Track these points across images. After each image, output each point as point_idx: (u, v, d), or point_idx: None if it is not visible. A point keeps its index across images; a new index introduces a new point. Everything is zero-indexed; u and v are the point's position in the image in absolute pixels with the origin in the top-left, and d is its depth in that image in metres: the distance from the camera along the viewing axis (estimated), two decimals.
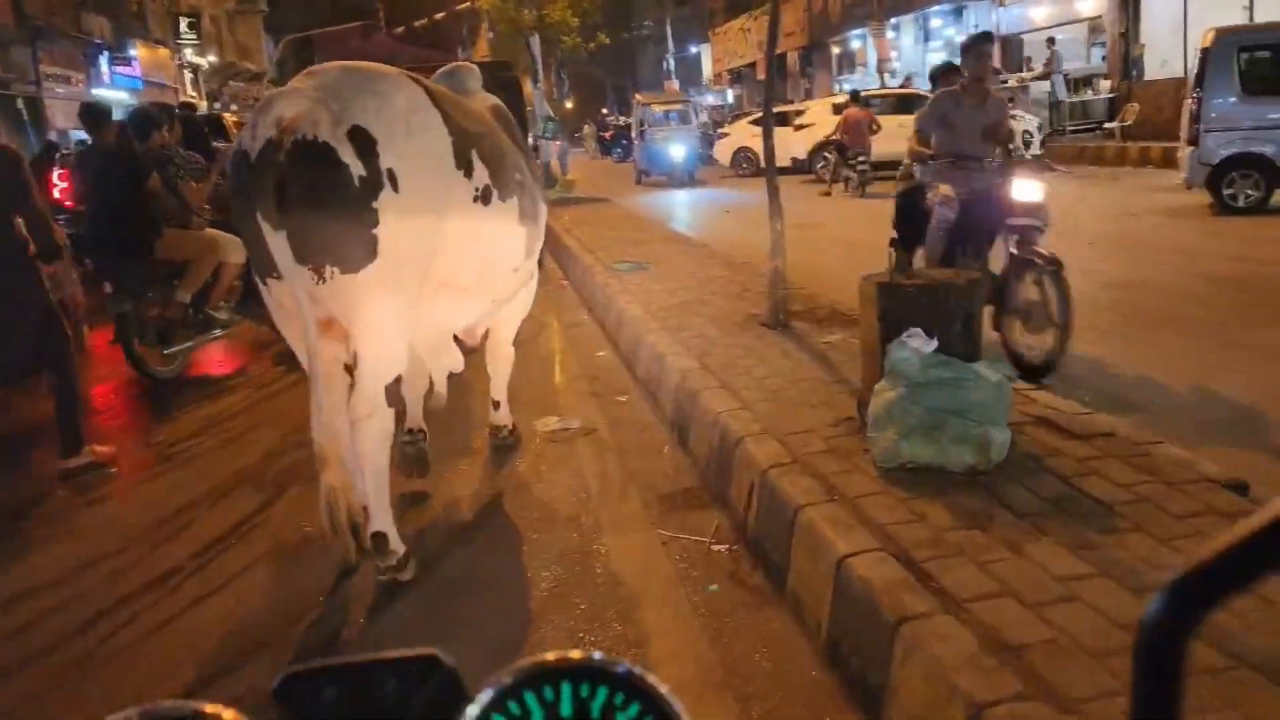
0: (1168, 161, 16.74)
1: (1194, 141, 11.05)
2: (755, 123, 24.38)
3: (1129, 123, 18.61)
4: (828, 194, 16.89)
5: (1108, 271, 8.15)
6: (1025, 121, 18.22)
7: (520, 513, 3.76)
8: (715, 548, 3.27)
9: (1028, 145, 17.44)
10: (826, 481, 2.94)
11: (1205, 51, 10.91)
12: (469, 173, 3.15)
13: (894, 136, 19.14)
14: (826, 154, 18.10)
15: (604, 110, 54.56)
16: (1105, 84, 21.78)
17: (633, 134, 24.41)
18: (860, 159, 16.36)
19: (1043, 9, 24.04)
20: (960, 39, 27.41)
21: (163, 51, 35.53)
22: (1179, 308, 6.52)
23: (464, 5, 36.10)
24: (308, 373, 3.00)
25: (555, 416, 4.97)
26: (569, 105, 22.75)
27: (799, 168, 19.90)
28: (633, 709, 0.52)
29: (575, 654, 0.53)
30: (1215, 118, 10.90)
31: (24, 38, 24.85)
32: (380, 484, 3.02)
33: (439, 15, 41.81)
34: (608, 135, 38.31)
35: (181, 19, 37.40)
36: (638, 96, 26.20)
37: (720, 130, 25.66)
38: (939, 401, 2.90)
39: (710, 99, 47.02)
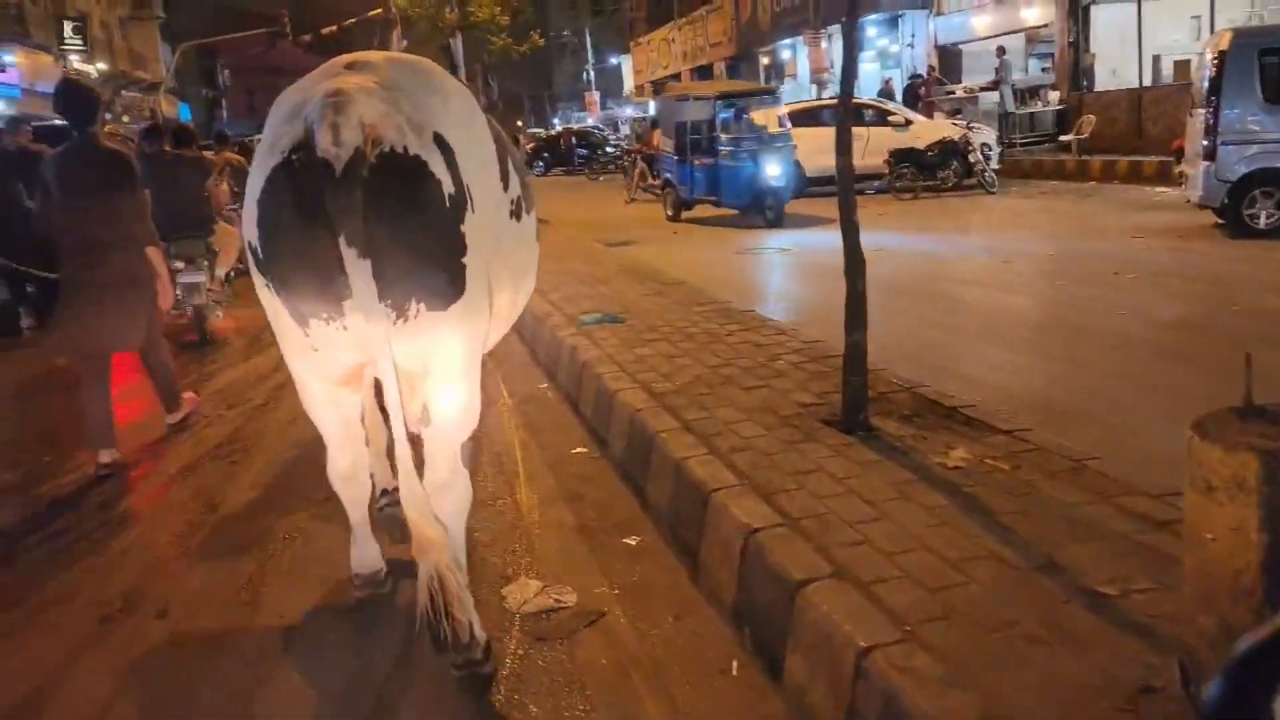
0: (1135, 176, 15.81)
1: (1210, 156, 9.83)
2: None
3: (1085, 136, 17.65)
4: (633, 200, 18.21)
5: (1150, 308, 6.76)
6: (982, 134, 17.09)
7: None
8: None
9: (987, 159, 16.29)
10: None
11: (1222, 55, 9.69)
12: (507, 184, 2.82)
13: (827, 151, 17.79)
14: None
15: (519, 122, 52.75)
16: (1054, 95, 20.89)
17: (658, 144, 16.19)
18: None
19: (984, 18, 23.09)
20: (895, 49, 26.52)
21: (45, 58, 32.59)
22: (1270, 358, 5.11)
23: (374, 12, 33.99)
24: (328, 432, 2.83)
25: (535, 580, 3.23)
26: None
27: None
28: None
29: None
30: (1233, 129, 9.70)
31: None
32: (461, 559, 2.66)
33: (349, 21, 39.46)
34: (529, 148, 36.83)
35: (66, 23, 34.59)
36: (673, 85, 19.16)
37: None
38: None
39: (630, 111, 45.70)
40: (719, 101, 14.19)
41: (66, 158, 5.01)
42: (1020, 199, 14.74)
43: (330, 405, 2.75)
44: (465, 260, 2.42)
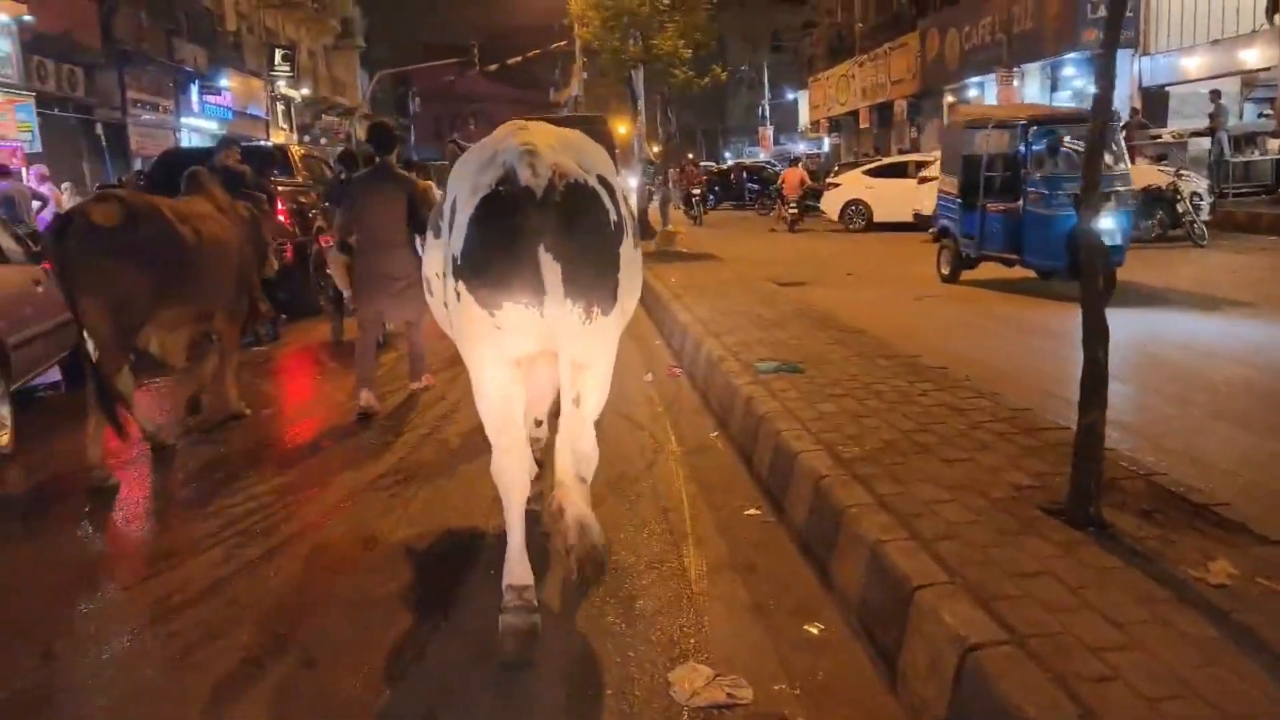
0: None
1: None
2: (870, 173, 22.26)
3: None
4: (774, 230, 22.33)
5: None
6: (1193, 183, 15.74)
7: None
8: None
9: (1197, 210, 14.95)
10: None
11: None
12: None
13: None
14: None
15: (689, 154, 53.05)
16: (1274, 143, 19.17)
17: (944, 185, 12.19)
18: (792, 206, 21.89)
19: (1196, 59, 21.49)
20: (1091, 88, 25.02)
21: (255, 83, 35.03)
22: None
23: (558, 45, 34.92)
24: (492, 417, 3.14)
25: (705, 667, 2.88)
26: (655, 149, 19.87)
27: (922, 224, 17.19)
28: None
29: None
30: None
31: (111, 62, 24.19)
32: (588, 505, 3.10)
33: (532, 53, 40.73)
34: (702, 179, 36.73)
35: (277, 51, 37.10)
36: (962, 109, 14.95)
37: (829, 180, 23.54)
38: None
39: (803, 147, 45.16)
40: (1031, 129, 10.70)
41: (368, 178, 6.48)
42: (1235, 254, 13.43)
43: (499, 389, 3.09)
44: (619, 276, 3.07)
